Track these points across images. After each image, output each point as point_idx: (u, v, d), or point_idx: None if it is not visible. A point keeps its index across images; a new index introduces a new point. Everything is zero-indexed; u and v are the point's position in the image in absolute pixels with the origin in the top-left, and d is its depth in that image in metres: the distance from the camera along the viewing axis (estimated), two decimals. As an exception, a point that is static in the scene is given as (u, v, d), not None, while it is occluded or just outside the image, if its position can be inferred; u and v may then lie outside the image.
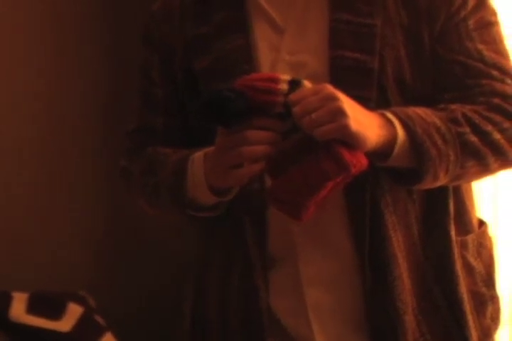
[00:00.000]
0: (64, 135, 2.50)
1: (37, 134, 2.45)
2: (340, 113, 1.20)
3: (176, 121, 1.50)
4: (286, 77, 1.24)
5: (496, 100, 1.36)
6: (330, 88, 1.22)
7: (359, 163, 1.21)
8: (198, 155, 1.37)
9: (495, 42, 1.40)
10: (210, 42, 1.43)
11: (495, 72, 1.38)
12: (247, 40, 1.41)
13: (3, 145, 2.38)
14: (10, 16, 2.40)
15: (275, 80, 1.23)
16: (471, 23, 1.39)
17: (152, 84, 1.51)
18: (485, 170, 1.36)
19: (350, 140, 1.21)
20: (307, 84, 1.24)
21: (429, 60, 1.38)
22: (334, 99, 1.21)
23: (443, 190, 1.40)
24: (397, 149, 1.27)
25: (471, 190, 1.50)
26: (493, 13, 1.42)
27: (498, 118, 1.35)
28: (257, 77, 1.25)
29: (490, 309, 1.48)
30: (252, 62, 1.39)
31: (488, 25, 1.40)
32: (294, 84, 1.23)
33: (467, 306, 1.42)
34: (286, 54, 1.39)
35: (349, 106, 1.21)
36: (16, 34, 2.42)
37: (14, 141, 2.40)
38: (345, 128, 1.20)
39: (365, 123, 1.22)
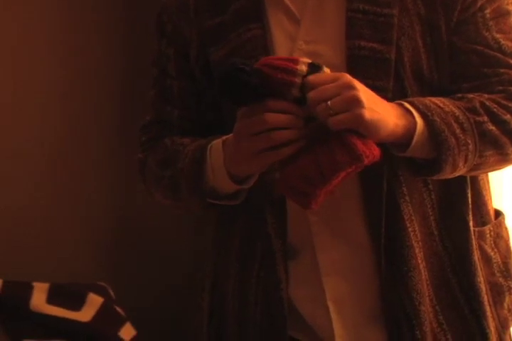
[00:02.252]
0: (78, 133, 2.52)
1: (49, 133, 2.47)
2: (356, 102, 1.18)
3: (192, 114, 1.49)
4: (306, 59, 1.22)
5: None
6: (348, 76, 1.21)
7: (372, 153, 1.20)
8: (217, 142, 1.36)
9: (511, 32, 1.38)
10: (226, 32, 1.42)
11: None
12: (264, 31, 1.39)
13: (17, 145, 2.39)
14: (22, 16, 2.41)
15: (294, 61, 1.22)
16: (487, 12, 1.37)
17: (168, 76, 1.50)
18: (504, 159, 1.35)
19: (364, 130, 1.20)
20: (327, 70, 1.23)
21: (446, 50, 1.36)
22: (351, 87, 1.19)
23: (460, 181, 1.39)
24: (415, 139, 1.26)
25: (488, 180, 1.49)
26: (510, 2, 1.41)
27: None
28: (276, 58, 1.24)
29: (507, 300, 1.47)
30: (269, 52, 1.38)
31: (505, 14, 1.39)
32: (314, 67, 1.21)
33: (485, 297, 1.41)
34: (302, 43, 1.38)
35: (366, 96, 1.20)
36: (31, 32, 2.44)
37: (28, 142, 2.42)
38: (360, 118, 1.19)
39: (382, 114, 1.21)
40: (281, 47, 1.39)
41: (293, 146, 1.22)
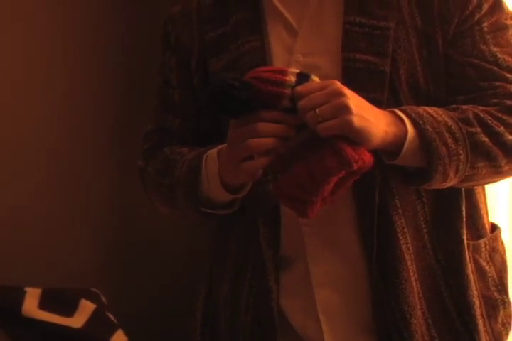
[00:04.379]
0: (77, 134, 2.53)
1: (48, 134, 2.48)
2: (345, 109, 1.21)
3: (192, 124, 1.52)
4: (294, 69, 1.25)
5: (509, 102, 1.36)
6: (337, 84, 1.24)
7: (361, 159, 1.22)
8: (212, 152, 1.39)
9: (509, 46, 1.40)
10: (225, 44, 1.45)
11: (509, 75, 1.39)
12: (262, 42, 1.42)
13: (20, 149, 2.40)
14: (25, 20, 2.43)
15: (283, 72, 1.24)
16: (485, 25, 1.39)
17: (170, 86, 1.54)
18: (497, 171, 1.36)
19: (353, 136, 1.22)
20: (316, 78, 1.25)
21: (442, 63, 1.39)
22: (340, 94, 1.22)
23: (455, 193, 1.41)
24: (406, 147, 1.28)
25: (484, 194, 1.50)
26: (509, 17, 1.43)
27: (510, 119, 1.35)
28: (265, 69, 1.27)
29: (502, 314, 1.48)
30: (267, 64, 1.41)
31: (503, 28, 1.41)
32: (302, 77, 1.24)
33: (477, 310, 1.42)
34: (299, 55, 1.40)
35: (355, 103, 1.22)
36: (31, 33, 2.45)
37: (28, 143, 2.44)
38: (348, 125, 1.21)
39: (371, 120, 1.23)
40: (279, 60, 1.42)
41: (270, 155, 1.25)
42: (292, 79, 1.23)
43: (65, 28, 2.51)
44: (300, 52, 1.40)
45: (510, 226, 2.12)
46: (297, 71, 1.25)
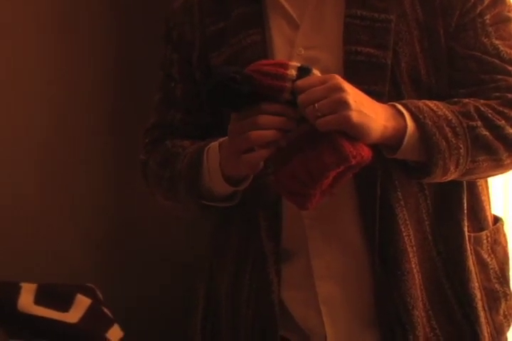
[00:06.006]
0: (69, 132, 2.54)
1: (42, 133, 2.49)
2: (343, 104, 1.23)
3: (194, 118, 1.54)
4: (295, 63, 1.27)
5: (511, 95, 1.38)
6: (338, 78, 1.26)
7: (360, 154, 1.24)
8: (214, 144, 1.42)
9: (511, 38, 1.40)
10: (226, 37, 1.47)
11: (511, 68, 1.40)
12: (264, 36, 1.44)
13: (13, 147, 2.40)
14: (20, 22, 2.44)
15: (284, 65, 1.26)
16: (487, 18, 1.41)
17: (171, 81, 1.56)
18: (498, 165, 1.38)
19: (351, 131, 1.24)
20: (316, 72, 1.27)
21: (444, 55, 1.41)
22: (339, 89, 1.24)
23: (457, 186, 1.43)
24: (406, 141, 1.30)
25: (487, 186, 1.53)
26: (511, 9, 1.43)
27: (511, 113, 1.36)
28: (266, 63, 1.28)
29: (503, 306, 1.50)
30: (268, 58, 1.42)
31: (505, 20, 1.43)
32: (303, 71, 1.26)
33: (479, 302, 1.44)
34: (301, 49, 1.42)
35: (354, 97, 1.24)
36: (27, 38, 2.47)
37: (20, 140, 2.45)
38: (346, 120, 1.23)
39: (370, 116, 1.25)
40: (281, 53, 1.44)
41: (271, 147, 1.26)
42: (293, 72, 1.25)
43: (59, 24, 2.51)
44: (301, 46, 1.42)
45: (504, 218, 2.13)
46: (298, 65, 1.27)
